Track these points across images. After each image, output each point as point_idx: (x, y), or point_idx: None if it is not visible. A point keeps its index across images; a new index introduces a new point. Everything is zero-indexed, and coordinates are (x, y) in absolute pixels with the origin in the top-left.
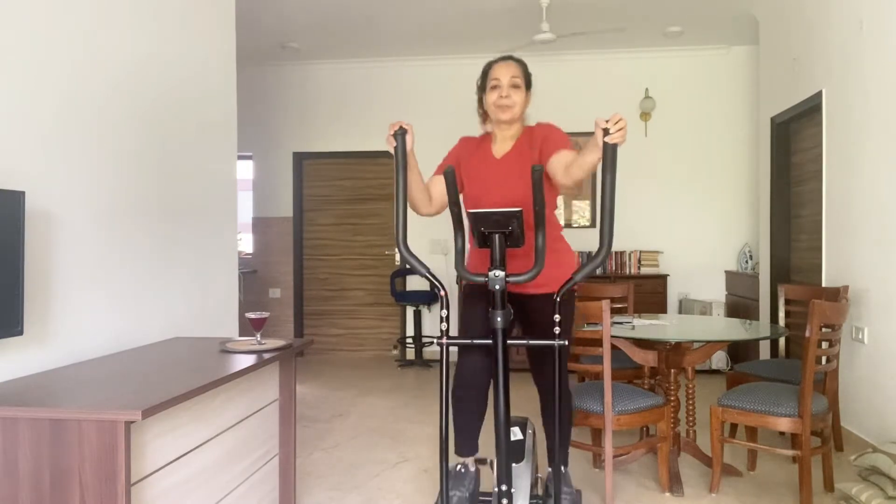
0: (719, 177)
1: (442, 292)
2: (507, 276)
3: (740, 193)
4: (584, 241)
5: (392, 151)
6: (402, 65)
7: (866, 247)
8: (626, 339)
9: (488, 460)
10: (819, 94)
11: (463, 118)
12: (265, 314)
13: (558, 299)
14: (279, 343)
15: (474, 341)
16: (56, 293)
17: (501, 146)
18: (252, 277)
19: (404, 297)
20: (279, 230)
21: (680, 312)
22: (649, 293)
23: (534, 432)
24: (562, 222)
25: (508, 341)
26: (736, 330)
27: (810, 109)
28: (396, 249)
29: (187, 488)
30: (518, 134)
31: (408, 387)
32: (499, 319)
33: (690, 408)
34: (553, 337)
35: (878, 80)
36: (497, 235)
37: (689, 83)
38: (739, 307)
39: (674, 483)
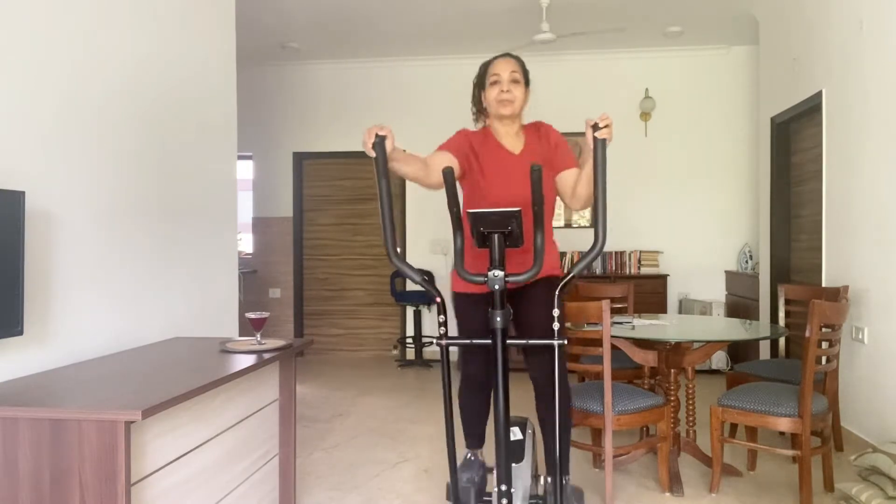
0: (719, 177)
1: (438, 298)
2: (506, 276)
3: (740, 193)
4: (584, 240)
5: (371, 156)
6: (402, 65)
7: (866, 247)
8: (626, 339)
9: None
10: (819, 94)
11: (463, 118)
12: (265, 314)
13: (557, 294)
14: (279, 343)
15: (473, 341)
16: (56, 293)
17: (513, 142)
18: (252, 277)
19: (404, 297)
20: (279, 230)
21: (680, 312)
22: (649, 293)
23: (533, 432)
24: (562, 222)
25: (508, 341)
26: (736, 330)
27: (810, 109)
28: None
29: (187, 488)
30: (520, 130)
31: (408, 387)
32: (498, 319)
33: (690, 408)
34: (549, 330)
35: (878, 80)
36: (496, 235)
37: (689, 83)
38: (739, 307)
39: (674, 483)
